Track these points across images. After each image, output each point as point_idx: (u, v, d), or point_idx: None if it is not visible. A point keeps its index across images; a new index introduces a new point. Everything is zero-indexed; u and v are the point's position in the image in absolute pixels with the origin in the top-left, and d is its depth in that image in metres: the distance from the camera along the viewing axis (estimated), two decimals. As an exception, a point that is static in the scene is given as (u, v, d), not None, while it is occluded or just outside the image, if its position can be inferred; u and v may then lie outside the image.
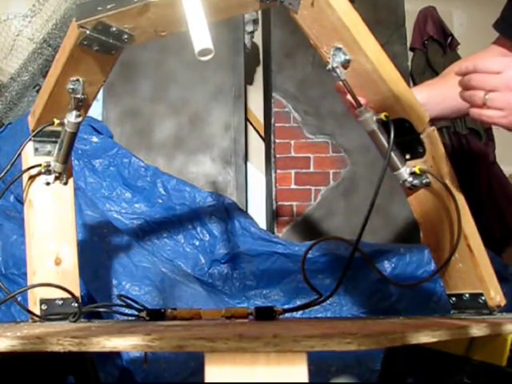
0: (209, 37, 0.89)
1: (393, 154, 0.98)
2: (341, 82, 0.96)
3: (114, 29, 0.96)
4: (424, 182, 0.99)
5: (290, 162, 3.19)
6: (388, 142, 0.95)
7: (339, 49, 0.94)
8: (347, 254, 0.98)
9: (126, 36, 0.98)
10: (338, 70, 0.95)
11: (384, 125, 0.97)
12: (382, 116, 0.96)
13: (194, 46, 0.88)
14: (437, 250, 1.02)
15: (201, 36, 0.88)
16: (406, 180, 0.99)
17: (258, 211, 3.23)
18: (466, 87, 0.88)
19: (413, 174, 0.99)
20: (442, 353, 0.91)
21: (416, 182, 0.99)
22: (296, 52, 3.14)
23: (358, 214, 2.97)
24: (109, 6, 0.91)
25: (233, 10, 1.00)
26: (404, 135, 0.97)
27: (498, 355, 0.79)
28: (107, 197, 2.17)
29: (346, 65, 0.95)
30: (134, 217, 2.14)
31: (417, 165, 0.98)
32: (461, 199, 0.97)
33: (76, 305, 1.10)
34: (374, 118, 0.97)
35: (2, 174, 1.11)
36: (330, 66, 0.95)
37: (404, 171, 0.99)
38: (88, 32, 0.95)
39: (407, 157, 1.00)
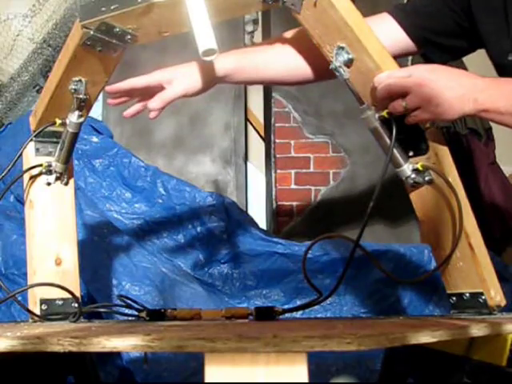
0: (213, 37, 0.89)
1: (395, 151, 0.98)
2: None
3: (118, 29, 0.96)
4: (427, 178, 0.99)
5: (290, 162, 3.19)
6: (390, 139, 0.96)
7: (342, 48, 0.95)
8: (347, 253, 0.98)
9: (129, 36, 0.98)
10: (341, 69, 0.96)
11: (386, 122, 0.97)
12: (385, 113, 0.96)
13: (199, 47, 0.88)
14: (437, 248, 1.02)
15: (205, 36, 0.88)
16: (408, 177, 0.99)
17: (258, 211, 3.23)
18: (384, 95, 0.94)
19: (415, 170, 0.99)
20: (442, 353, 0.91)
21: (419, 178, 0.99)
22: (296, 52, 3.14)
23: (357, 214, 2.97)
24: (112, 7, 0.91)
25: (236, 11, 1.01)
26: (407, 132, 0.97)
27: (498, 355, 0.79)
28: (107, 197, 2.16)
29: (349, 64, 0.95)
30: (134, 217, 2.14)
31: (420, 162, 0.99)
32: (463, 197, 0.97)
33: (76, 305, 1.10)
34: (377, 116, 0.97)
35: (3, 173, 1.11)
36: (333, 65, 0.96)
37: (407, 168, 0.99)
38: (92, 32, 0.95)
39: (410, 154, 1.00)
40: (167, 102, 1.08)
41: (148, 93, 1.12)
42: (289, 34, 1.18)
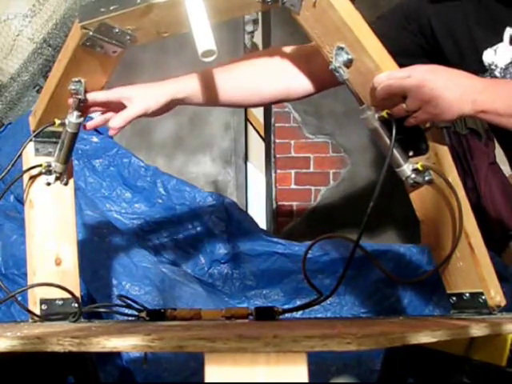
0: (212, 38, 0.89)
1: (395, 151, 0.98)
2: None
3: (117, 30, 0.96)
4: (427, 178, 0.99)
5: (290, 162, 3.19)
6: (390, 139, 0.96)
7: (342, 48, 0.95)
8: (347, 253, 0.98)
9: (128, 37, 0.98)
10: (340, 70, 0.96)
11: (386, 122, 0.97)
12: (384, 113, 0.96)
13: (198, 48, 0.88)
14: (437, 248, 1.03)
15: (204, 37, 0.88)
16: (408, 177, 0.99)
17: (258, 211, 3.23)
18: (384, 96, 0.94)
19: (415, 170, 0.99)
20: (442, 353, 0.91)
21: (418, 178, 0.99)
22: (296, 52, 3.14)
23: (357, 214, 2.97)
24: (112, 8, 0.91)
25: (235, 11, 1.01)
26: (407, 132, 0.98)
27: (498, 355, 0.79)
28: (107, 197, 2.17)
29: (348, 64, 0.95)
30: (134, 217, 2.14)
31: (419, 161, 0.99)
32: (463, 197, 0.97)
33: (76, 305, 1.10)
34: (376, 116, 0.97)
35: (3, 173, 1.11)
36: (332, 66, 0.96)
37: (407, 168, 0.99)
38: (91, 33, 0.96)
39: (410, 154, 1.00)
40: (128, 121, 1.09)
41: (108, 107, 1.12)
42: (252, 55, 1.22)
